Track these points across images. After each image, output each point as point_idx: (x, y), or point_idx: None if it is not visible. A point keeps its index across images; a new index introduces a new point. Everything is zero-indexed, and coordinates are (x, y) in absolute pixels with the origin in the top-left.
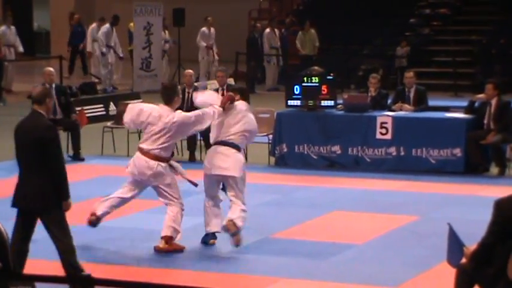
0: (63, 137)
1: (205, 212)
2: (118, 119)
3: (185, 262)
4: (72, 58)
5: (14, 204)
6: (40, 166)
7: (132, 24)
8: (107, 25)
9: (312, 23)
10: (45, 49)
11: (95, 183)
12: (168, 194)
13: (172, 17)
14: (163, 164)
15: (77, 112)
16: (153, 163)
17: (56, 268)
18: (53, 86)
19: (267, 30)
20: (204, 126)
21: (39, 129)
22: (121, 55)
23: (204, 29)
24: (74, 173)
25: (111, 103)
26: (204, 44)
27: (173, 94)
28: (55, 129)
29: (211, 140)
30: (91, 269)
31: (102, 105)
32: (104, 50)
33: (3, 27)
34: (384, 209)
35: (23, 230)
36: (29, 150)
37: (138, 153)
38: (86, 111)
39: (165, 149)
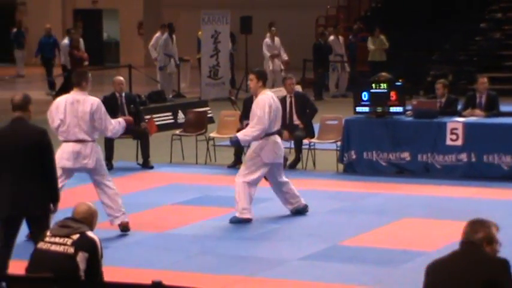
0: (133, 145)
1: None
2: (186, 127)
3: (254, 269)
4: (49, 74)
5: (5, 213)
6: (34, 172)
7: (200, 32)
8: (165, 35)
9: (381, 29)
10: (115, 58)
11: (164, 191)
12: None
13: (239, 24)
14: None
15: (147, 120)
16: None
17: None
18: (123, 94)
19: (331, 37)
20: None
21: (33, 135)
22: (177, 63)
23: (267, 39)
24: (144, 181)
25: (180, 111)
26: (268, 54)
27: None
28: (48, 134)
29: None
30: (161, 275)
31: (170, 114)
32: (162, 64)
33: (65, 40)
34: (455, 216)
35: (8, 238)
36: (23, 157)
37: None
38: (154, 120)
39: None
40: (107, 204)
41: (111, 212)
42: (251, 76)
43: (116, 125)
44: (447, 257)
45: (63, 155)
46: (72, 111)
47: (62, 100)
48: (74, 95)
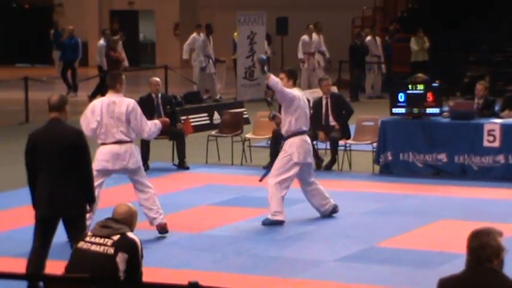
0: (169, 146)
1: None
2: (222, 127)
3: (290, 270)
4: (64, 74)
5: (42, 213)
6: (71, 172)
7: (236, 33)
8: (202, 36)
9: (424, 30)
10: (151, 59)
11: (200, 191)
12: None
13: (275, 25)
14: None
15: (182, 121)
16: None
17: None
18: (159, 95)
19: (368, 38)
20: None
21: (70, 136)
22: (214, 63)
23: (304, 36)
24: (179, 181)
25: (216, 112)
26: (301, 55)
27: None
28: (84, 135)
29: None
30: (197, 276)
31: (206, 114)
32: (203, 64)
33: (101, 41)
34: (493, 217)
35: (45, 238)
36: (60, 158)
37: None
38: (190, 120)
39: None
40: (146, 206)
41: (151, 213)
42: (281, 75)
43: (152, 126)
44: (462, 279)
45: (102, 157)
46: (108, 113)
47: (97, 103)
48: (109, 97)
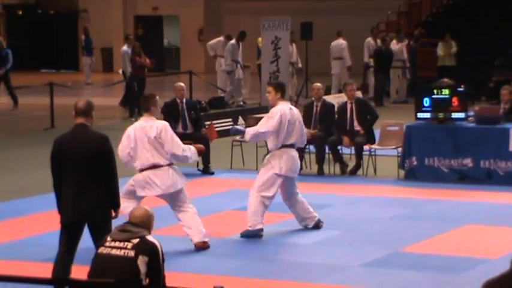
0: None
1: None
2: None
3: (315, 275)
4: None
5: (67, 219)
6: (96, 178)
7: (260, 39)
8: (233, 41)
9: (451, 34)
10: (175, 65)
11: (224, 196)
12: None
13: (300, 30)
14: None
15: (207, 126)
16: None
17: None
18: (184, 100)
19: (393, 42)
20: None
21: (96, 141)
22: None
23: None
24: (204, 186)
25: (240, 117)
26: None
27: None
28: (110, 141)
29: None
30: (222, 281)
31: (231, 120)
32: (229, 68)
33: (124, 47)
34: None
35: (71, 243)
36: (85, 163)
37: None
38: (215, 126)
39: None
40: (187, 225)
41: (190, 232)
42: (269, 89)
43: (186, 150)
44: (506, 280)
45: (139, 183)
46: (141, 138)
47: (131, 128)
48: (142, 121)
